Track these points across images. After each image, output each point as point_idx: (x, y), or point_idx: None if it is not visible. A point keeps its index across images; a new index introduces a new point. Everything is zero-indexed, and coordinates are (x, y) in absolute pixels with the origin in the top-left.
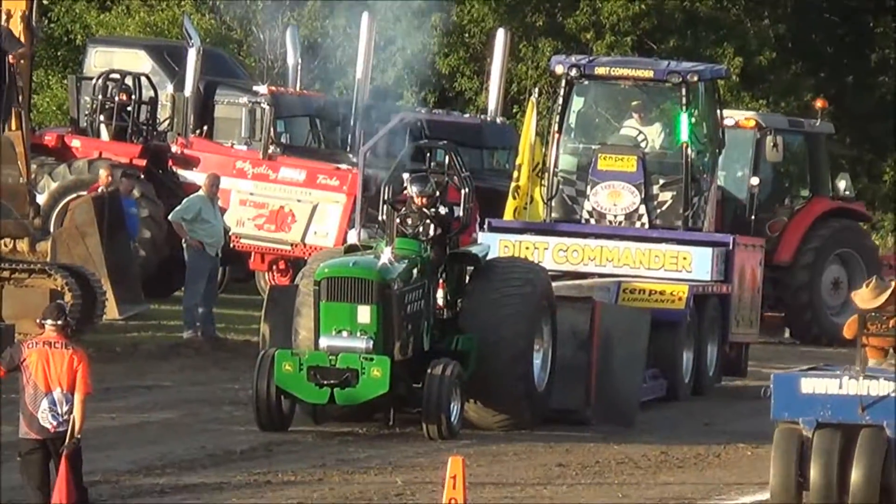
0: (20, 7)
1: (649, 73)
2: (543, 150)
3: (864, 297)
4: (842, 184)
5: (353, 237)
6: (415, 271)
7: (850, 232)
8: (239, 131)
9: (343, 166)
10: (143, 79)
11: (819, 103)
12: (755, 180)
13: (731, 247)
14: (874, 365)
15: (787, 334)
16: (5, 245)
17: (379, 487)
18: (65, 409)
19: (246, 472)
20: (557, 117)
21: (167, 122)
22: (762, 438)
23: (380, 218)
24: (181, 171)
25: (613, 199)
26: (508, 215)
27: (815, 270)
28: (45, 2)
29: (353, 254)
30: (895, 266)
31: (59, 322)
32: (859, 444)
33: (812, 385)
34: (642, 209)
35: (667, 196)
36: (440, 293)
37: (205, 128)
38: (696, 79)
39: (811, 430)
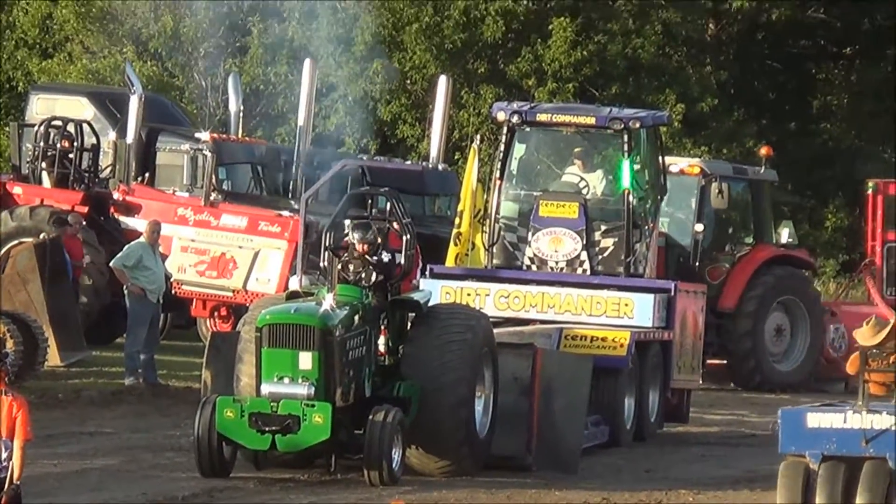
0: None
1: (591, 120)
2: (485, 196)
3: (865, 335)
4: (785, 231)
5: (294, 284)
6: (356, 318)
7: (794, 279)
8: (181, 178)
9: (285, 213)
10: (85, 126)
11: (764, 150)
12: (699, 227)
13: (672, 293)
14: (878, 400)
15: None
16: None
17: None
18: (3, 455)
19: None
20: (499, 164)
21: (109, 168)
22: (704, 484)
23: (321, 264)
24: (123, 218)
25: (555, 245)
26: (450, 262)
27: (758, 317)
28: None
29: (295, 300)
30: (836, 314)
31: None
32: (863, 476)
33: (818, 419)
34: (584, 255)
35: (608, 242)
36: (382, 340)
37: (146, 175)
38: (637, 125)
39: (817, 462)
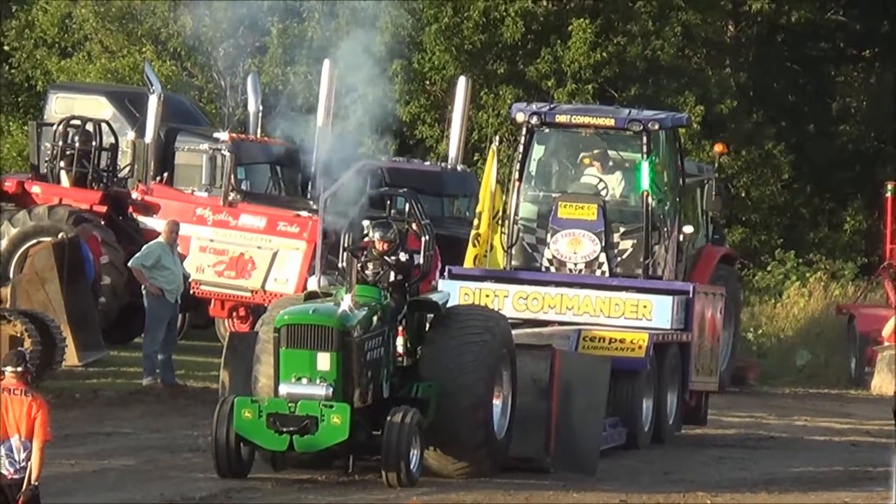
0: None
1: (610, 122)
2: (504, 197)
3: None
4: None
5: (313, 284)
6: (375, 318)
7: (732, 277)
8: (199, 178)
9: (303, 213)
10: (103, 125)
11: (718, 148)
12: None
13: (691, 295)
14: None
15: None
16: None
17: None
18: (22, 455)
19: None
20: (518, 165)
21: (128, 168)
22: (721, 487)
23: (340, 265)
24: (141, 218)
25: (574, 247)
26: (469, 263)
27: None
28: (6, 48)
29: (314, 301)
30: (854, 316)
31: (19, 369)
32: None
33: None
34: (602, 257)
35: (627, 244)
36: (400, 340)
37: (165, 174)
38: (657, 127)
39: None
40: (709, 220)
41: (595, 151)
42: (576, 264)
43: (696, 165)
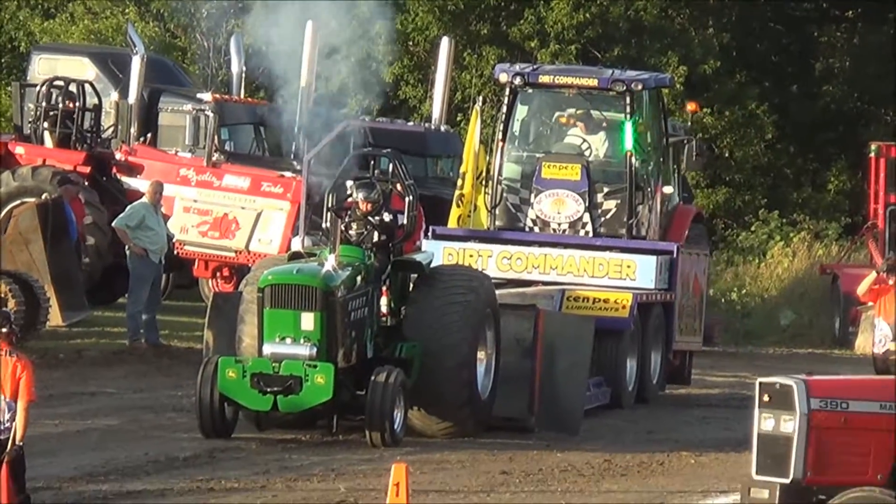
0: None
1: (593, 82)
2: (487, 158)
3: None
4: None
5: (296, 244)
6: (358, 279)
7: (703, 236)
8: (183, 139)
9: (287, 174)
10: (87, 86)
11: (690, 107)
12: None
13: (675, 255)
14: None
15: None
16: None
17: (322, 494)
18: (7, 416)
19: (189, 479)
20: (501, 125)
21: (111, 129)
22: (706, 446)
23: (324, 225)
24: (125, 179)
25: (557, 207)
26: (452, 223)
27: None
28: None
29: (297, 261)
30: (838, 276)
31: (4, 330)
32: None
33: None
34: (586, 217)
35: (611, 204)
36: (384, 301)
37: (149, 135)
38: (640, 87)
39: None
40: (680, 179)
41: (578, 112)
42: (559, 224)
43: (672, 125)
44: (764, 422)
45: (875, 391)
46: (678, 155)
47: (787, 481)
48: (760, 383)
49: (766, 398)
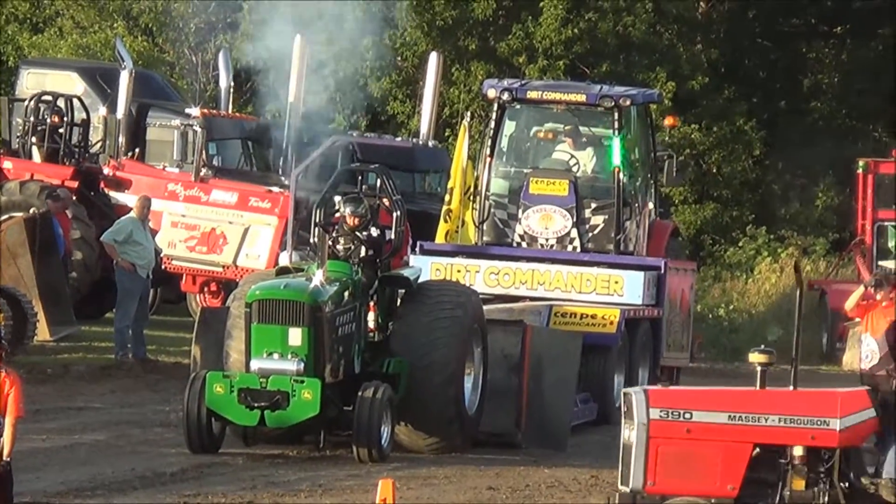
0: None
1: (581, 98)
2: (475, 173)
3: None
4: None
5: (284, 259)
6: (346, 294)
7: (680, 251)
8: (171, 154)
9: (275, 189)
10: (75, 101)
11: (668, 121)
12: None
13: (662, 271)
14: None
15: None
16: None
17: None
18: None
19: (176, 494)
20: (489, 141)
21: (99, 144)
22: None
23: (311, 240)
24: (113, 193)
25: (545, 222)
26: (440, 238)
27: None
28: None
29: (285, 276)
30: (826, 292)
31: None
32: None
33: None
34: (574, 233)
35: (599, 220)
36: (371, 316)
37: (137, 150)
38: (628, 103)
39: None
40: (657, 195)
41: (566, 127)
42: (547, 240)
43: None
44: (623, 431)
45: (723, 402)
46: (656, 171)
47: (627, 490)
48: (623, 393)
49: (624, 408)
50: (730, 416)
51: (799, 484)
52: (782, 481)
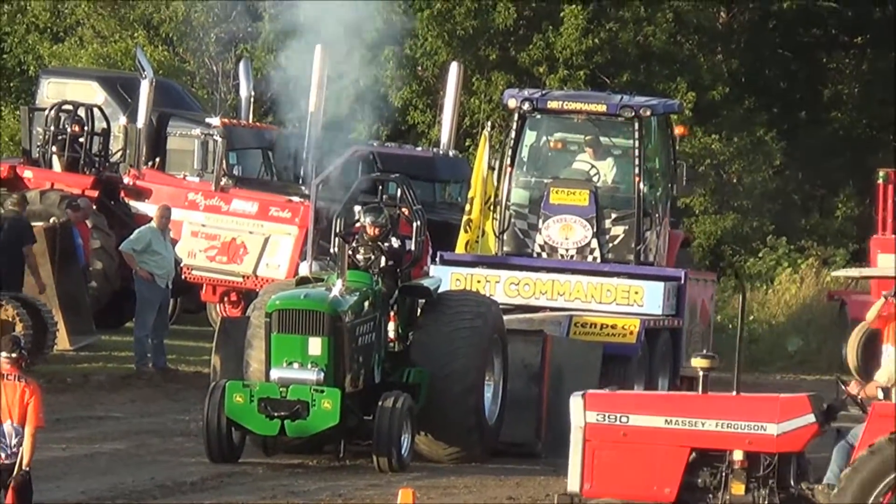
0: None
1: (602, 108)
2: (496, 183)
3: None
4: None
5: (304, 269)
6: (366, 304)
7: (689, 260)
8: (191, 163)
9: (295, 198)
10: (95, 110)
11: (678, 130)
12: None
13: (682, 281)
14: None
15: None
16: None
17: None
18: (14, 441)
19: None
20: (510, 151)
21: (119, 153)
22: None
23: (331, 250)
24: (133, 203)
25: (565, 232)
26: (460, 248)
27: None
28: None
29: (305, 286)
30: (846, 303)
31: (14, 355)
32: None
33: None
34: (594, 243)
35: (619, 230)
36: (391, 326)
37: (157, 159)
38: (648, 113)
39: None
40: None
41: (587, 138)
42: (567, 250)
43: None
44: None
45: (660, 406)
46: (676, 180)
47: (565, 493)
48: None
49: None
50: (666, 420)
51: (738, 488)
52: (723, 486)
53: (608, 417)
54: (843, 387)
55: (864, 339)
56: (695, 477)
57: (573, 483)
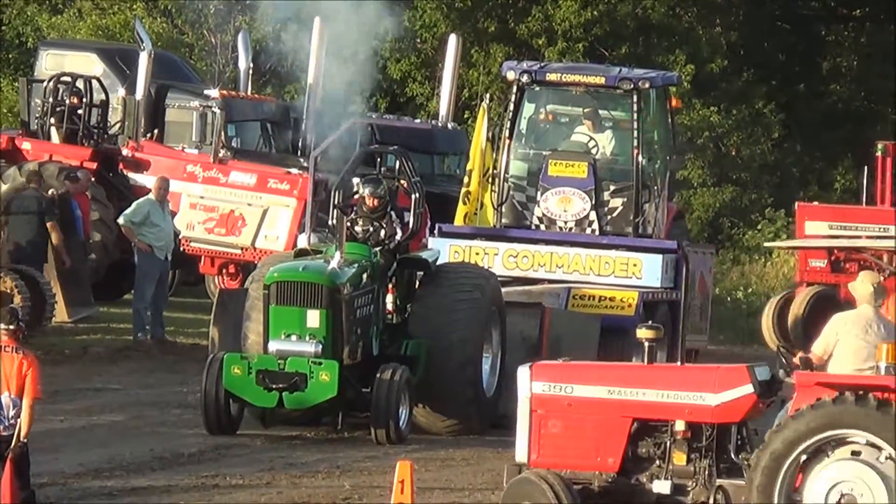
0: None
1: (601, 80)
2: (494, 155)
3: None
4: None
5: (303, 241)
6: (364, 276)
7: (683, 233)
8: (190, 135)
9: (294, 170)
10: (94, 82)
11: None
12: None
13: (681, 253)
14: None
15: None
16: None
17: (327, 491)
18: (12, 412)
19: (194, 476)
20: (508, 123)
21: (118, 125)
22: None
23: (330, 222)
24: (132, 175)
25: (564, 205)
26: (459, 221)
27: None
28: None
29: (303, 258)
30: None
31: (12, 326)
32: None
33: None
34: (593, 215)
35: (617, 202)
36: (390, 298)
37: (156, 131)
38: (647, 85)
39: None
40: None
41: (586, 110)
42: (566, 222)
43: None
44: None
45: (602, 377)
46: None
47: (514, 464)
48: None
49: None
50: (609, 391)
51: (680, 458)
52: (666, 456)
53: (553, 388)
54: (783, 359)
55: (779, 307)
56: (638, 447)
57: (521, 453)
